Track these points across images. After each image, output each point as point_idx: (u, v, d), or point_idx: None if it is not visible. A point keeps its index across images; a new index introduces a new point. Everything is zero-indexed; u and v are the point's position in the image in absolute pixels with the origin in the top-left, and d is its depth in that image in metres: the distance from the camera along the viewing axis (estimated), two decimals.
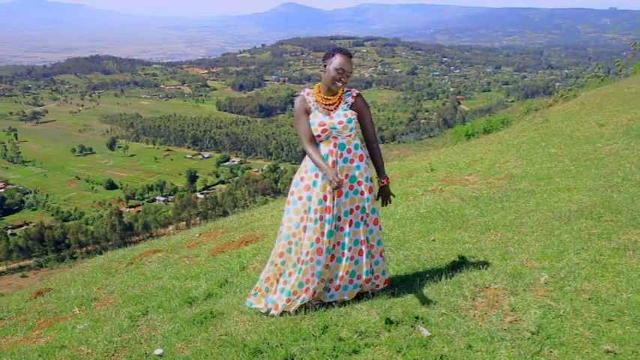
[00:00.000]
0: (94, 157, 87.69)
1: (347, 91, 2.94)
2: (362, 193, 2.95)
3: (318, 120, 2.87)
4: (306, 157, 2.94)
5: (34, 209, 64.58)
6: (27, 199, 66.80)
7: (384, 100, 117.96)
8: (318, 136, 2.88)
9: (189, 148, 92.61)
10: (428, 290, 3.08)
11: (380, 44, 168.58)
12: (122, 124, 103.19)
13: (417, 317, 2.75)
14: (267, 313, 3.00)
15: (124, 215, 55.53)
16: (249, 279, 3.75)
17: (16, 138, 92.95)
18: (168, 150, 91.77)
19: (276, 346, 2.60)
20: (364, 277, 3.03)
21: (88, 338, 3.01)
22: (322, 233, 2.87)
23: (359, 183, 2.94)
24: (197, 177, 73.62)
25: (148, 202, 66.69)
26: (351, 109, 2.91)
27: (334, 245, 2.95)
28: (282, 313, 2.96)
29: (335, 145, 2.89)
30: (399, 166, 8.79)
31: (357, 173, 2.93)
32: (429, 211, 5.05)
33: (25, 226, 55.70)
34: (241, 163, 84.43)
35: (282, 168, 74.94)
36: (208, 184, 73.78)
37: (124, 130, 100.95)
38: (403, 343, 2.52)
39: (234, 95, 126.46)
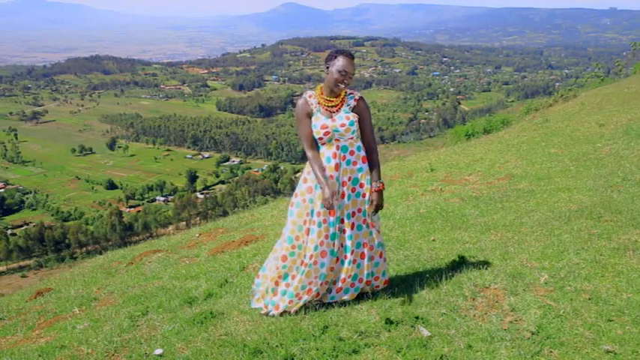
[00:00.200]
0: (94, 157, 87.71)
1: (349, 93, 2.93)
2: (363, 196, 2.95)
3: (320, 123, 2.86)
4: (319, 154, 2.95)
5: (34, 209, 64.59)
6: (27, 199, 66.81)
7: (384, 100, 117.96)
8: (320, 138, 2.88)
9: (189, 148, 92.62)
10: (428, 290, 3.08)
11: (380, 44, 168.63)
12: (122, 124, 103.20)
13: (417, 317, 2.75)
14: (267, 314, 3.00)
15: (124, 215, 55.54)
16: (249, 279, 3.74)
17: (16, 138, 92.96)
18: (168, 150, 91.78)
19: (276, 346, 2.60)
20: (365, 279, 3.04)
21: (88, 338, 3.01)
22: (326, 236, 2.87)
23: (361, 185, 2.94)
24: (197, 177, 73.63)
25: (148, 202, 66.70)
26: (353, 111, 2.90)
27: (338, 248, 2.96)
28: (282, 313, 2.96)
29: (338, 148, 2.89)
30: (399, 166, 8.79)
31: (359, 175, 2.93)
32: (429, 211, 5.05)
33: (25, 226, 55.71)
34: (241, 163, 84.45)
35: (282, 168, 74.99)
36: (208, 184, 73.80)
37: (124, 130, 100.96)
38: (403, 343, 2.52)
39: (234, 95, 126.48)
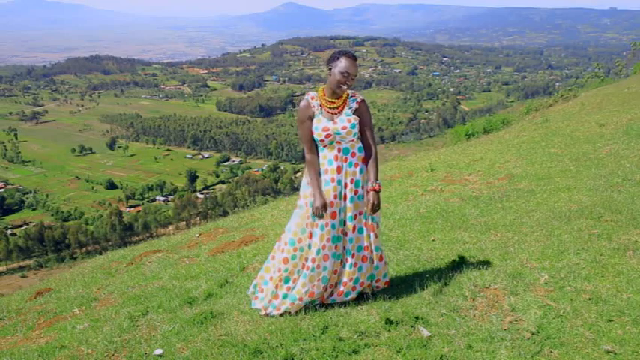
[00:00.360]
0: (94, 157, 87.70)
1: (352, 95, 2.92)
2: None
3: (322, 125, 2.86)
4: (317, 159, 2.95)
5: (34, 209, 64.60)
6: (27, 199, 66.81)
7: (384, 100, 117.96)
8: (322, 140, 2.88)
9: (189, 148, 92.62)
10: (428, 290, 3.08)
11: (380, 44, 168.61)
12: (122, 124, 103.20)
13: (417, 317, 2.75)
14: (267, 315, 3.00)
15: (124, 215, 55.54)
16: (249, 279, 3.74)
17: (16, 138, 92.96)
18: (168, 150, 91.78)
19: (276, 346, 2.60)
20: (366, 282, 3.05)
21: (88, 338, 3.01)
22: (328, 239, 2.86)
23: (363, 188, 2.94)
24: (197, 177, 73.63)
25: (148, 202, 66.70)
26: (354, 114, 2.90)
27: (341, 250, 2.96)
28: (282, 314, 2.97)
29: (339, 150, 2.89)
30: (399, 166, 8.79)
31: (361, 178, 2.92)
32: (429, 211, 5.05)
33: (25, 226, 55.71)
34: (241, 163, 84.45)
35: (282, 168, 75.00)
36: (208, 184, 73.80)
37: (124, 130, 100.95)
38: (403, 343, 2.52)
39: (234, 95, 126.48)
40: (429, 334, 2.59)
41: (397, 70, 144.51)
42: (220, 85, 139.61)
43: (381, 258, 3.05)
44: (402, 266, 3.60)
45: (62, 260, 45.51)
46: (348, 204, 2.91)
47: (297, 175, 65.52)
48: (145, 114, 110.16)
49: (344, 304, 3.02)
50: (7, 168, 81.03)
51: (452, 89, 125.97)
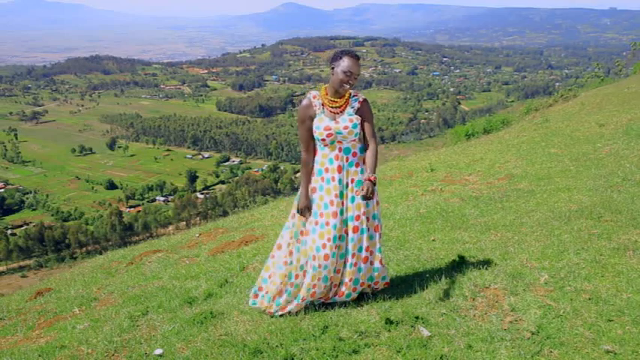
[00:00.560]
0: (94, 157, 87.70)
1: (354, 95, 2.92)
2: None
3: (323, 124, 2.86)
4: (312, 159, 2.95)
5: (34, 209, 64.59)
6: (27, 199, 66.81)
7: (384, 100, 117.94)
8: (323, 140, 2.87)
9: (189, 148, 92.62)
10: (428, 290, 3.08)
11: (380, 44, 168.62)
12: (122, 124, 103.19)
13: (417, 317, 2.75)
14: (271, 314, 3.00)
15: (124, 215, 55.54)
16: (249, 279, 3.75)
17: (16, 138, 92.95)
18: (168, 150, 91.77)
19: (276, 346, 2.60)
20: (366, 283, 3.05)
21: (88, 338, 3.01)
22: (329, 239, 2.85)
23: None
24: (197, 177, 73.63)
25: (148, 202, 66.69)
26: (356, 113, 2.90)
27: (343, 250, 2.95)
28: (283, 315, 2.97)
29: (340, 150, 2.89)
30: (399, 166, 8.79)
31: (362, 177, 2.92)
32: (429, 211, 5.05)
33: (25, 226, 55.71)
34: (241, 163, 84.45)
35: (282, 168, 74.99)
36: (208, 184, 73.80)
37: (124, 130, 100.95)
38: (403, 343, 2.52)
39: (234, 95, 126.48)
40: (429, 334, 2.59)
41: (397, 70, 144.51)
42: (220, 85, 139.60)
43: (381, 261, 3.05)
44: (402, 266, 3.60)
45: (62, 260, 45.52)
46: (349, 204, 2.90)
47: (297, 175, 65.47)
48: (145, 114, 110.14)
49: (344, 304, 3.02)
50: (7, 168, 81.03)
51: (452, 89, 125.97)
